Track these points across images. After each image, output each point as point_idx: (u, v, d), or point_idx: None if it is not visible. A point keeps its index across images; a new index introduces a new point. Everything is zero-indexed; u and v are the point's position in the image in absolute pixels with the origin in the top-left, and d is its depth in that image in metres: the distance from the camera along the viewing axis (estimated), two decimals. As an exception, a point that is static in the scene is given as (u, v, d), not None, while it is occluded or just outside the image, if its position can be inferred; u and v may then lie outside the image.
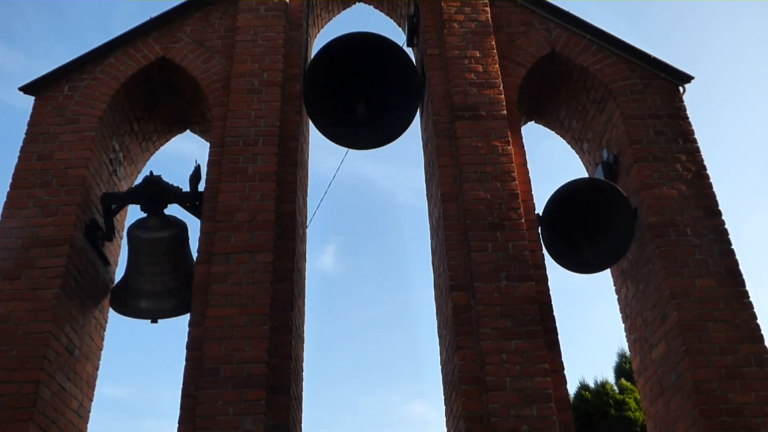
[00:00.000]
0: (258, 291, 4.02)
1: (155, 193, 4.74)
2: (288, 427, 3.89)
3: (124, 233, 5.01)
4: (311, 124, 5.94)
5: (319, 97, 5.15)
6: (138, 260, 4.71)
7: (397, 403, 26.44)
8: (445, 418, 4.55)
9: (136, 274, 4.71)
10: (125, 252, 4.85)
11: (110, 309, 5.07)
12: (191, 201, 4.72)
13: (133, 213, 4.97)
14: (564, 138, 5.89)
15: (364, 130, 5.25)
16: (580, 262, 4.78)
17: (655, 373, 4.47)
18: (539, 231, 4.48)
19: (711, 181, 4.62)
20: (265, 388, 3.74)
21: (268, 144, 4.59)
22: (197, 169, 4.74)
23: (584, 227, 4.77)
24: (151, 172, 4.77)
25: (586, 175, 5.71)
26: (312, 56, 5.52)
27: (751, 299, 4.17)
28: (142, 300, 4.67)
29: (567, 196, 4.60)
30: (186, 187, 4.78)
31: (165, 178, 4.81)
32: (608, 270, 5.08)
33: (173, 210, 4.89)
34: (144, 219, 4.77)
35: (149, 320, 4.80)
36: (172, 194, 4.76)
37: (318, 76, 5.04)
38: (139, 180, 4.98)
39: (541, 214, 4.52)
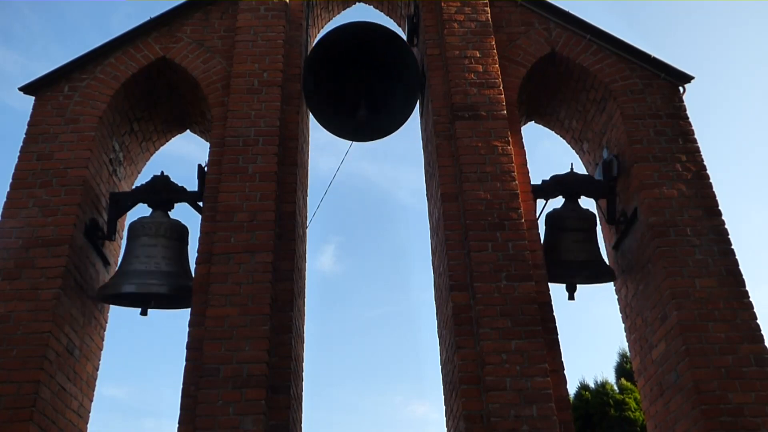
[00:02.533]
0: (258, 291, 4.03)
1: (162, 190, 4.83)
2: (288, 427, 3.89)
3: (125, 233, 5.02)
4: (311, 124, 5.95)
5: (319, 88, 5.14)
6: (135, 245, 4.69)
7: (399, 404, 26.46)
8: (445, 418, 4.55)
9: (131, 258, 4.67)
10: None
11: (110, 309, 5.08)
12: (197, 199, 4.79)
13: (137, 214, 5.00)
14: (564, 138, 5.89)
15: (365, 121, 5.24)
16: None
17: (655, 373, 4.47)
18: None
19: (711, 181, 4.62)
20: (265, 388, 3.74)
21: (268, 144, 4.59)
22: (200, 168, 4.77)
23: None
24: (162, 172, 4.91)
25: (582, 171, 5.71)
26: (311, 48, 5.51)
27: (751, 299, 4.17)
28: (132, 281, 4.56)
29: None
30: (190, 188, 4.87)
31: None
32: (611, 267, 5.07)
33: (180, 211, 4.95)
34: (150, 213, 4.86)
35: (139, 308, 4.73)
36: (179, 193, 4.84)
37: (317, 65, 5.04)
38: (142, 179, 5.02)
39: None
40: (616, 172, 4.91)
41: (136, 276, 4.57)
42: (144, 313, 4.70)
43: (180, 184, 4.92)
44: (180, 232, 4.81)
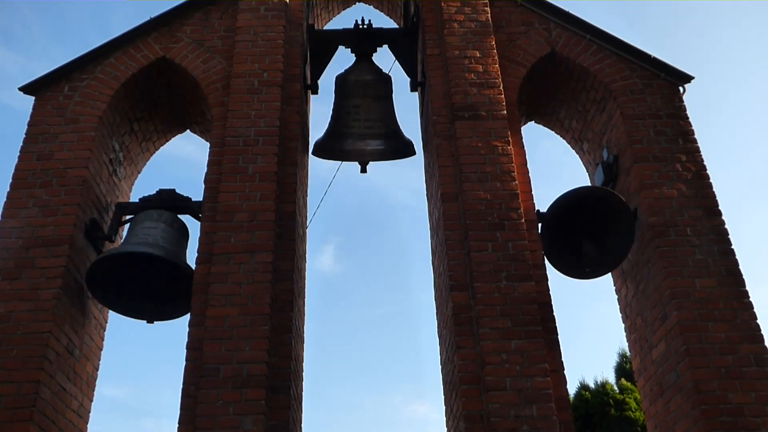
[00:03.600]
0: (258, 291, 4.03)
1: (168, 201, 4.83)
2: (288, 427, 3.89)
3: (124, 233, 5.02)
4: (311, 124, 5.96)
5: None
6: (136, 229, 4.68)
7: (399, 404, 26.47)
8: (445, 418, 4.55)
9: (130, 237, 4.66)
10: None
11: (110, 309, 5.08)
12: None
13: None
14: (564, 138, 5.89)
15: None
16: (581, 269, 4.80)
17: (655, 373, 4.47)
18: (539, 233, 4.46)
19: (711, 181, 4.62)
20: (265, 388, 3.74)
21: (268, 144, 4.59)
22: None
23: (585, 233, 4.76)
24: (167, 190, 4.89)
25: (586, 174, 5.72)
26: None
27: (751, 299, 4.17)
28: (128, 246, 4.56)
29: (568, 203, 4.59)
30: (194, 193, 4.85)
31: (165, 178, 4.89)
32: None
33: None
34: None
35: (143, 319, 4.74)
36: (185, 204, 4.82)
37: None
38: (142, 179, 5.02)
39: (541, 223, 4.50)
40: (616, 173, 4.88)
41: (133, 245, 4.53)
42: (150, 321, 4.72)
43: (179, 185, 4.90)
44: (180, 226, 4.77)
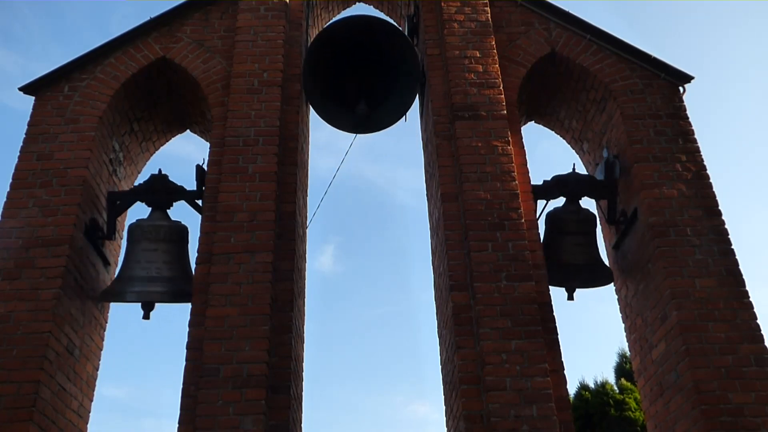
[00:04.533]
0: (258, 291, 4.03)
1: (160, 190, 4.83)
2: (288, 427, 3.89)
3: (125, 233, 5.02)
4: (311, 124, 5.96)
5: (319, 83, 5.15)
6: (136, 249, 4.69)
7: (400, 404, 26.46)
8: (445, 418, 4.55)
9: (132, 263, 4.68)
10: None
11: (110, 309, 5.08)
12: (196, 198, 4.79)
13: (136, 213, 4.99)
14: (564, 138, 5.89)
15: (365, 114, 5.21)
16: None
17: (655, 373, 4.47)
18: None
19: (711, 181, 4.62)
20: (265, 388, 3.74)
21: (268, 144, 4.59)
22: (199, 168, 4.77)
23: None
24: (159, 170, 4.90)
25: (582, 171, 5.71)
26: (311, 42, 5.51)
27: (751, 299, 4.17)
28: (135, 288, 4.58)
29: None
30: (189, 187, 4.85)
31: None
32: (610, 269, 5.07)
33: (178, 210, 4.94)
34: (149, 214, 4.86)
35: (142, 312, 4.72)
36: (177, 191, 4.84)
37: (317, 61, 5.04)
38: (142, 179, 5.01)
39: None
40: (618, 174, 4.90)
41: (137, 282, 4.59)
42: (146, 316, 4.69)
43: (179, 183, 4.91)
44: (180, 233, 4.81)
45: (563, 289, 4.89)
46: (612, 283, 5.12)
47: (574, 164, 5.05)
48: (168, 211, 4.91)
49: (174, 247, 4.74)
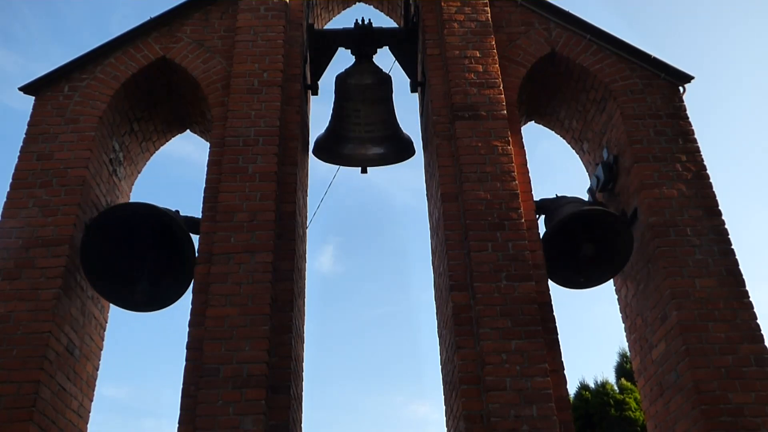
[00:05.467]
0: (258, 291, 4.03)
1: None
2: (288, 427, 3.89)
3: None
4: (311, 124, 5.96)
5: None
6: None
7: (400, 404, 26.45)
8: (445, 418, 4.55)
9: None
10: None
11: (110, 309, 5.08)
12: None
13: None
14: (564, 138, 5.89)
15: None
16: (579, 281, 4.94)
17: (655, 373, 4.47)
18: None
19: (711, 181, 4.62)
20: (265, 388, 3.74)
21: (268, 144, 4.59)
22: None
23: (583, 251, 4.80)
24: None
25: (586, 174, 5.72)
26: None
27: (751, 299, 4.17)
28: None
29: (564, 224, 4.66)
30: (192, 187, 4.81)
31: (165, 179, 4.89)
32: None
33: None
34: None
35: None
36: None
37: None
38: (142, 179, 4.99)
39: (542, 239, 4.55)
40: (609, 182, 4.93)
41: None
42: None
43: (178, 183, 4.83)
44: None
45: (562, 289, 4.94)
46: (607, 284, 5.15)
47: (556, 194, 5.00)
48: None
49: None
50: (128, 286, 4.56)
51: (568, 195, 4.98)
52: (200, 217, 4.51)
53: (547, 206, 4.84)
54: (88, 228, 4.45)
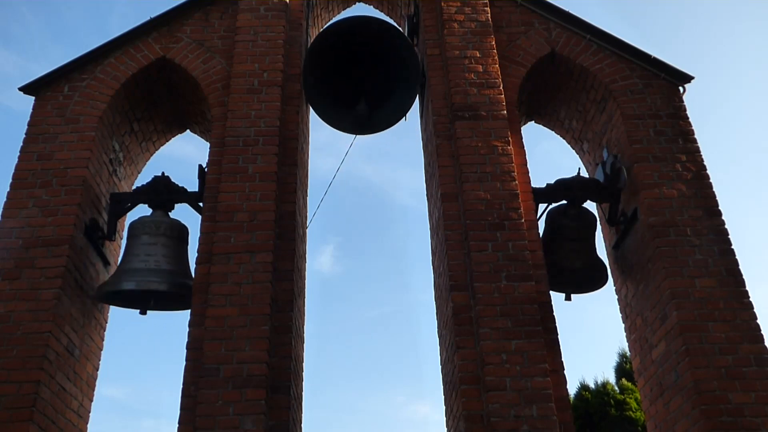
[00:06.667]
0: (258, 291, 4.03)
1: (163, 191, 4.85)
2: (288, 427, 3.89)
3: (125, 233, 5.02)
4: (311, 124, 5.95)
5: (319, 82, 5.14)
6: (135, 243, 4.69)
7: (401, 404, 26.42)
8: (445, 418, 4.55)
9: (131, 257, 4.67)
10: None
11: (110, 309, 5.08)
12: (198, 200, 4.79)
13: (136, 215, 4.99)
14: (564, 138, 5.89)
15: (365, 114, 5.20)
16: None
17: (655, 373, 4.47)
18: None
19: (711, 181, 4.62)
20: (265, 388, 3.74)
21: (268, 144, 4.59)
22: (201, 168, 4.78)
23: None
24: (162, 173, 4.92)
25: (585, 174, 5.71)
26: (311, 42, 5.49)
27: (751, 299, 4.17)
28: (132, 279, 4.54)
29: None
30: (191, 188, 4.86)
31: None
32: (608, 270, 5.07)
33: (180, 211, 4.98)
34: (151, 214, 4.87)
35: (138, 309, 4.74)
36: (180, 193, 4.85)
37: (317, 60, 5.05)
38: (142, 179, 5.02)
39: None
40: (623, 182, 4.83)
41: (135, 274, 4.55)
42: (143, 312, 4.69)
43: (180, 185, 4.91)
44: (180, 231, 4.81)
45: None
46: (607, 284, 5.12)
47: (579, 169, 5.02)
48: (169, 213, 4.91)
49: (174, 243, 4.74)
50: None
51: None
52: (200, 217, 4.52)
53: (543, 192, 4.84)
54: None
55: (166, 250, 4.66)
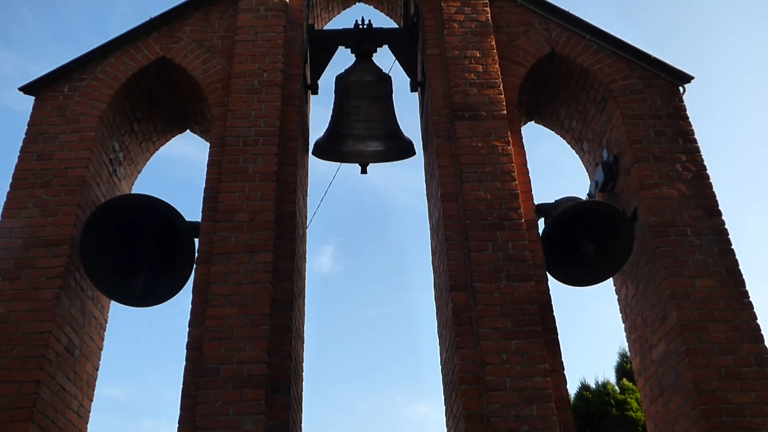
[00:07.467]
0: (258, 291, 4.03)
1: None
2: (288, 427, 3.89)
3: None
4: (311, 124, 5.96)
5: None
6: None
7: (401, 404, 26.44)
8: (445, 418, 4.55)
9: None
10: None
11: (110, 309, 5.08)
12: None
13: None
14: (564, 138, 5.89)
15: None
16: (580, 277, 4.92)
17: (655, 373, 4.47)
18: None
19: (711, 181, 4.62)
20: (265, 388, 3.74)
21: (268, 144, 4.59)
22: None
23: (582, 243, 4.78)
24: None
25: (586, 174, 5.72)
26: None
27: (751, 299, 4.17)
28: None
29: (565, 217, 4.66)
30: (192, 187, 4.82)
31: (165, 179, 4.87)
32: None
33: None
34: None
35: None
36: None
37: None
38: (142, 179, 5.00)
39: (542, 235, 4.54)
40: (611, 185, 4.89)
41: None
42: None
43: (182, 180, 4.86)
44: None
45: (562, 289, 4.92)
46: (607, 285, 5.15)
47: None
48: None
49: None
50: (127, 279, 4.50)
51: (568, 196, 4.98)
52: (200, 217, 4.51)
53: (546, 209, 4.83)
54: (88, 220, 4.41)
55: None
